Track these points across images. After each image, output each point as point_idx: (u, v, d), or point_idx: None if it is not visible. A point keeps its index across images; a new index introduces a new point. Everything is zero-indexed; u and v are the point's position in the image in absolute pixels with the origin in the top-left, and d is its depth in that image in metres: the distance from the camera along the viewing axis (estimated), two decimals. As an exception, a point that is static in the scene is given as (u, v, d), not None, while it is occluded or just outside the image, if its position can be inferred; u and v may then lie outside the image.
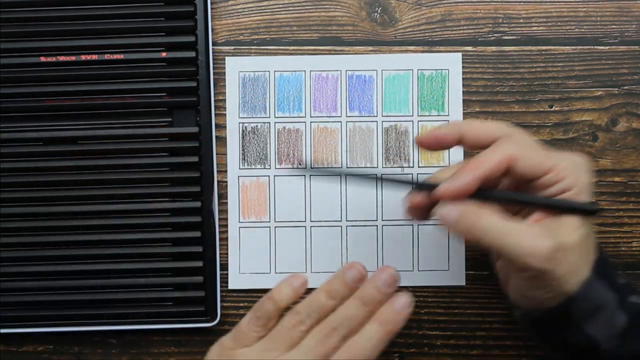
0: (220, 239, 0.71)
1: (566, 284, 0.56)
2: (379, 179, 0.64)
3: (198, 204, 0.70)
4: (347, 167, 0.71)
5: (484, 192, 0.57)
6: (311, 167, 0.70)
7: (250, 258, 0.71)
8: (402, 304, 0.62)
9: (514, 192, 0.59)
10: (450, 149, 0.70)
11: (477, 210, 0.57)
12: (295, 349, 0.61)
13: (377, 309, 0.62)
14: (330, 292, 0.62)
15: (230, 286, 0.71)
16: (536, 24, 0.71)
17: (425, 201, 0.60)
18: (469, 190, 0.57)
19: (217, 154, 0.71)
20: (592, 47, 0.71)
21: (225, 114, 0.71)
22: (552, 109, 0.71)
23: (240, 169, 0.71)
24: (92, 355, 0.72)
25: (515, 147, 0.57)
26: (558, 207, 0.57)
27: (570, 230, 0.56)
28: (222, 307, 0.71)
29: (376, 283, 0.62)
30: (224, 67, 0.71)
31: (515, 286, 0.60)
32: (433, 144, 0.60)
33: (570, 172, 0.57)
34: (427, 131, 0.63)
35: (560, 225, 0.56)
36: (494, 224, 0.56)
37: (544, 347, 0.62)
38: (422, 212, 0.61)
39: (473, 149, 0.60)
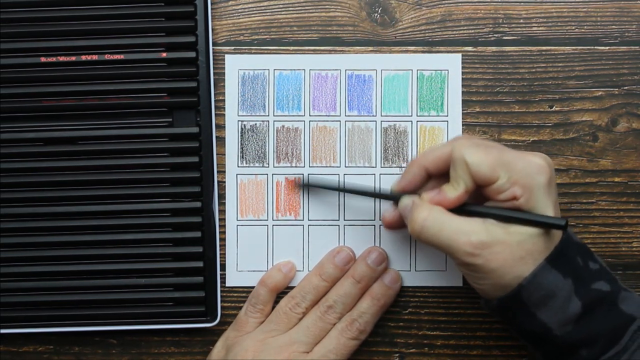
0: (221, 239, 0.71)
1: (502, 277, 0.58)
2: (374, 194, 0.70)
3: (198, 204, 0.70)
4: (345, 167, 0.71)
5: (464, 207, 0.61)
6: (307, 184, 0.71)
7: (247, 256, 0.71)
8: (392, 278, 0.69)
9: (487, 207, 0.61)
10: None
11: (419, 204, 0.61)
12: (294, 328, 0.67)
13: (369, 286, 0.69)
14: (322, 275, 0.69)
15: (228, 284, 0.71)
16: (536, 24, 0.71)
17: (395, 214, 0.66)
18: (416, 181, 0.64)
19: (217, 154, 0.71)
20: (592, 47, 0.71)
21: (224, 114, 0.71)
22: (553, 109, 0.71)
23: (238, 167, 0.71)
24: (92, 356, 0.72)
25: (463, 141, 0.61)
26: (523, 221, 0.59)
27: (511, 230, 0.58)
28: (222, 307, 0.71)
29: (367, 261, 0.69)
30: (224, 67, 0.71)
31: (465, 277, 0.63)
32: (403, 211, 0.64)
33: (521, 177, 0.58)
34: (395, 183, 0.66)
35: (504, 224, 0.59)
36: (430, 218, 0.60)
37: (511, 332, 0.64)
38: (399, 223, 0.66)
39: (441, 173, 0.63)
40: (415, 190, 0.64)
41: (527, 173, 0.58)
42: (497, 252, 0.58)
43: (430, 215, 0.60)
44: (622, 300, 0.60)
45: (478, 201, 0.61)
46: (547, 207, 0.59)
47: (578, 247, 0.61)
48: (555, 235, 0.59)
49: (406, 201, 0.63)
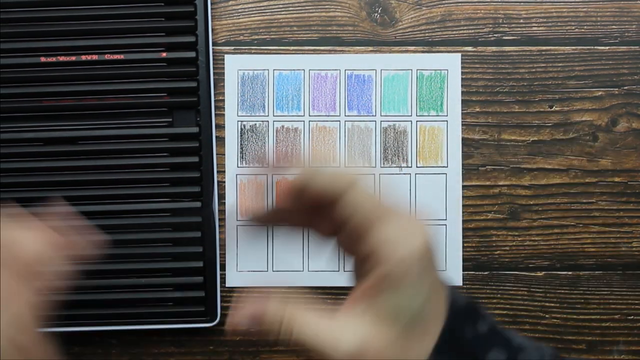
0: (220, 239, 0.71)
1: None
2: None
3: (198, 204, 0.70)
4: (345, 167, 0.71)
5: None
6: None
7: (247, 256, 0.71)
8: None
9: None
10: (448, 148, 0.70)
11: (290, 307, 0.47)
12: None
13: None
14: None
15: (228, 284, 0.71)
16: (536, 24, 0.71)
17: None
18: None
19: (217, 154, 0.71)
20: (592, 47, 0.71)
21: (224, 114, 0.71)
22: (552, 109, 0.71)
23: (238, 167, 0.71)
24: (92, 355, 0.72)
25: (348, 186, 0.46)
26: None
27: (386, 321, 0.45)
28: (222, 307, 0.71)
29: None
30: (224, 67, 0.71)
31: None
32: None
33: (392, 254, 0.45)
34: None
35: (377, 314, 0.45)
36: (301, 318, 0.46)
37: None
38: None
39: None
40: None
41: (397, 250, 0.45)
42: (370, 354, 0.45)
43: (297, 310, 0.46)
44: None
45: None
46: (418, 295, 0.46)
47: (466, 313, 0.48)
48: (438, 308, 0.47)
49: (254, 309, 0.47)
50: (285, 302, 0.47)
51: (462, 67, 0.71)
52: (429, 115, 0.71)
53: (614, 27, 0.71)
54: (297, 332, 0.46)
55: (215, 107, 0.71)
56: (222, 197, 0.71)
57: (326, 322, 0.46)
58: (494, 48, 0.71)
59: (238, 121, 0.71)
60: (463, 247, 0.71)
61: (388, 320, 0.45)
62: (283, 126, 0.71)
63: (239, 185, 0.71)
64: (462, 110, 0.71)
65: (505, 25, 0.72)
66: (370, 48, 0.72)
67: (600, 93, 0.71)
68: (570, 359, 0.53)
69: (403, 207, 0.47)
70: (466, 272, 0.71)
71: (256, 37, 0.72)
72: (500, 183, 0.71)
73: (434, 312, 0.46)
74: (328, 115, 0.71)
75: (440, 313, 0.47)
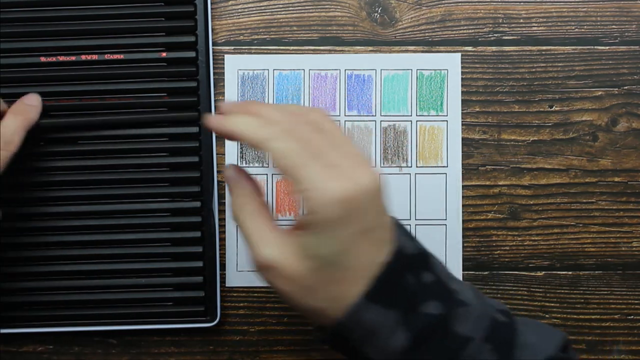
0: (220, 239, 0.71)
1: (300, 300, 0.50)
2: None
3: (198, 204, 0.70)
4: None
5: None
6: None
7: (247, 256, 0.71)
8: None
9: None
10: (448, 148, 0.71)
11: (245, 194, 0.53)
12: None
13: None
14: None
15: (228, 284, 0.71)
16: (536, 24, 0.71)
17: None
18: None
19: (217, 154, 0.71)
20: (592, 47, 0.71)
21: (224, 114, 0.71)
22: (552, 109, 0.71)
23: (238, 167, 0.71)
24: (92, 355, 0.72)
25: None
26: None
27: (303, 256, 0.49)
28: (222, 307, 0.71)
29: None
30: (224, 67, 0.71)
31: None
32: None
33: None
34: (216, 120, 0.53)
35: (297, 242, 0.50)
36: (246, 214, 0.52)
37: None
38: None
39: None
40: None
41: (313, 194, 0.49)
42: (276, 273, 0.50)
43: (248, 206, 0.53)
44: (457, 319, 0.50)
45: None
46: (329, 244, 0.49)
47: (411, 262, 0.51)
48: (370, 257, 0.50)
49: (231, 175, 0.55)
50: (255, 191, 0.54)
51: (462, 67, 0.71)
52: (428, 115, 0.71)
53: (614, 27, 0.71)
54: (243, 214, 0.52)
55: (215, 107, 0.71)
56: (222, 197, 0.71)
57: (266, 227, 0.52)
58: (494, 48, 0.71)
59: (238, 121, 0.71)
60: (463, 247, 0.71)
61: (305, 256, 0.49)
62: (283, 126, 0.71)
63: (239, 185, 0.71)
64: (462, 110, 0.71)
65: (505, 25, 0.72)
66: (370, 48, 0.72)
67: (600, 93, 0.71)
68: (524, 318, 0.53)
69: (342, 155, 0.51)
70: (466, 272, 0.71)
71: (256, 37, 0.72)
72: (500, 183, 0.71)
73: (362, 260, 0.49)
74: (328, 115, 0.71)
75: (372, 262, 0.50)
